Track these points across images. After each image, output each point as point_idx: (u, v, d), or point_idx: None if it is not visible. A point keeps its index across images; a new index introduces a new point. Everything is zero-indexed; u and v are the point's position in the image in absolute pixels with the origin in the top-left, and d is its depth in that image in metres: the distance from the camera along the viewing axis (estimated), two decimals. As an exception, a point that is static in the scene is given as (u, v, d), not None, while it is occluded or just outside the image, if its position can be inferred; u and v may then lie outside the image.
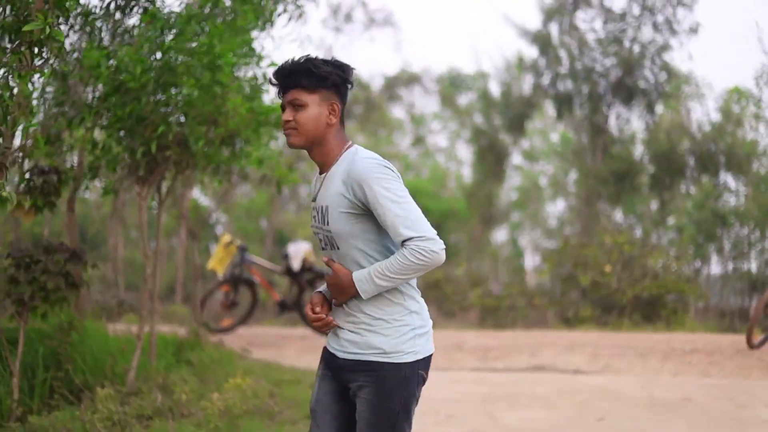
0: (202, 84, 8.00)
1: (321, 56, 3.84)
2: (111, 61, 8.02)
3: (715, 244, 30.30)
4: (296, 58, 3.77)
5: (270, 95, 9.57)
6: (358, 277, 3.74)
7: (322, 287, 4.07)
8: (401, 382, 3.77)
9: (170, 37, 8.10)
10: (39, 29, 6.19)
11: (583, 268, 22.67)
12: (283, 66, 3.79)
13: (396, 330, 3.80)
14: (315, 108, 3.76)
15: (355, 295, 3.78)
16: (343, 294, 3.81)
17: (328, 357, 3.99)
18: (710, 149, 30.01)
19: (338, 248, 3.81)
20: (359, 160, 3.71)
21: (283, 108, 3.83)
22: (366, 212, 3.72)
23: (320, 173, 3.91)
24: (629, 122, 33.12)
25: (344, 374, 3.87)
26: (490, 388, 10.69)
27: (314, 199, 3.92)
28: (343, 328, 3.88)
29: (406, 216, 3.66)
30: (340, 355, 3.88)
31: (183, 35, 8.01)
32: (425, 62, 69.00)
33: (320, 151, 3.84)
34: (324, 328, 3.91)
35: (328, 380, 3.96)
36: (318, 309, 3.92)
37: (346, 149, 3.86)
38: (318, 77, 3.75)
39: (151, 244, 17.47)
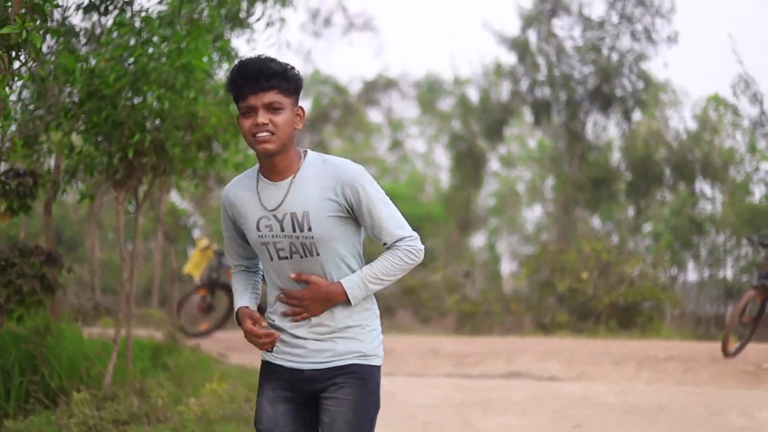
0: (174, 88, 7.97)
1: (291, 60, 3.73)
2: (85, 64, 8.00)
3: (692, 251, 30.52)
4: (261, 58, 3.62)
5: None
6: (350, 284, 3.69)
7: (242, 302, 3.93)
8: (377, 384, 3.78)
9: (140, 42, 8.08)
10: (16, 33, 6.19)
11: (560, 275, 22.74)
12: (255, 65, 3.59)
13: (369, 335, 3.79)
14: (289, 112, 3.63)
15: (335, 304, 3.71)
16: (324, 305, 3.71)
17: (282, 373, 3.82)
18: (687, 157, 30.21)
19: (317, 254, 3.68)
20: (345, 165, 3.67)
21: (245, 111, 3.62)
22: (350, 216, 3.69)
23: (272, 180, 3.73)
24: (606, 129, 33.32)
25: (311, 385, 3.76)
26: (465, 394, 10.70)
27: (274, 208, 3.71)
28: (304, 339, 3.76)
29: (398, 217, 3.74)
30: (306, 367, 3.75)
31: (150, 41, 7.99)
32: (404, 66, 69.23)
33: (284, 158, 3.69)
34: (271, 343, 3.73)
35: (283, 401, 3.81)
36: (264, 324, 3.77)
37: (305, 155, 3.76)
38: (295, 81, 3.64)
39: (128, 246, 17.43)
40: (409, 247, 3.71)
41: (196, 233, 29.29)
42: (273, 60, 3.61)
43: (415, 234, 3.76)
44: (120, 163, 8.27)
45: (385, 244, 3.74)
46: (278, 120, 3.58)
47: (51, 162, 10.17)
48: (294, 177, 3.69)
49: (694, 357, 13.67)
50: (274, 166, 3.69)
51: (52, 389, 8.17)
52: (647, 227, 34.23)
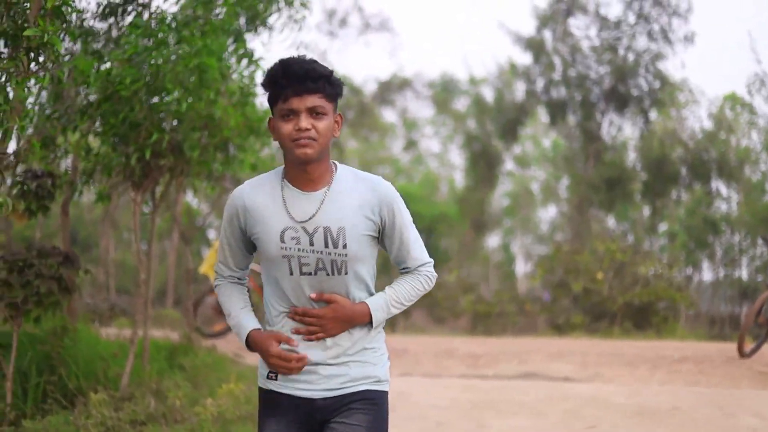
0: (188, 88, 8.02)
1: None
2: (103, 66, 8.06)
3: (707, 251, 30.42)
4: (306, 59, 3.39)
5: (261, 100, 9.61)
6: (376, 306, 3.52)
7: (251, 323, 3.61)
8: (387, 410, 3.61)
9: (155, 43, 8.13)
10: (37, 36, 6.25)
11: (574, 275, 22.76)
12: (301, 66, 3.35)
13: (381, 358, 3.61)
14: (331, 119, 3.41)
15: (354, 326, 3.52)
16: (344, 326, 3.49)
17: (289, 403, 3.55)
18: (702, 156, 30.15)
19: (345, 273, 3.46)
20: (380, 183, 3.51)
21: (285, 113, 3.38)
22: (378, 236, 3.53)
23: (302, 189, 3.48)
24: (622, 129, 33.28)
25: (322, 414, 3.52)
26: (479, 395, 10.73)
27: (304, 220, 3.45)
28: (315, 364, 3.50)
29: (420, 240, 3.65)
30: (318, 395, 3.50)
31: (165, 42, 8.04)
32: (419, 66, 69.20)
33: (318, 166, 3.44)
34: (302, 367, 3.47)
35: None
36: (295, 343, 3.50)
37: (335, 167, 3.55)
38: (338, 86, 3.44)
39: (143, 246, 17.50)
40: (428, 272, 3.64)
41: (212, 234, 29.38)
42: (316, 62, 3.40)
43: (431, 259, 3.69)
44: (137, 164, 8.33)
45: (406, 268, 3.64)
46: (320, 126, 3.37)
47: (68, 163, 10.24)
48: (329, 189, 3.48)
49: (708, 358, 13.68)
50: (308, 174, 3.45)
51: (69, 390, 8.22)
52: (662, 227, 34.11)
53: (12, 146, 6.93)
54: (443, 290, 25.54)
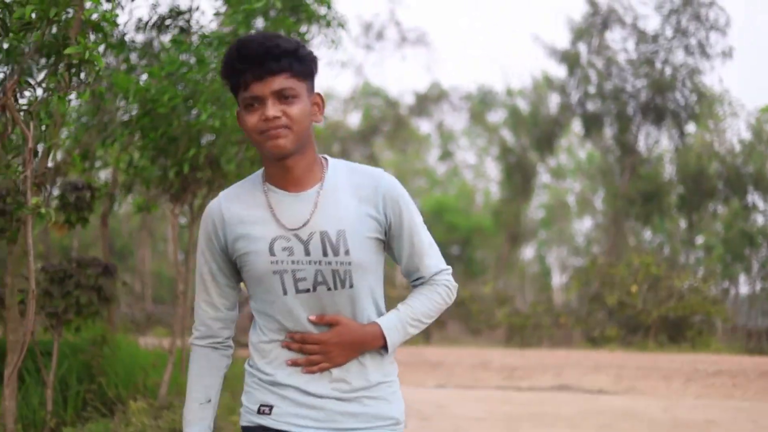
0: (227, 105, 8.13)
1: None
2: (139, 82, 8.20)
3: (744, 265, 30.29)
4: (265, 34, 2.76)
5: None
6: (389, 325, 2.85)
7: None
8: None
9: (194, 60, 8.25)
10: (78, 53, 6.38)
11: (609, 288, 22.74)
12: (259, 44, 2.71)
13: (395, 394, 2.90)
14: (305, 101, 2.74)
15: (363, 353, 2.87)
16: (352, 353, 2.84)
17: None
18: (740, 170, 30.05)
19: (350, 285, 2.80)
20: (382, 175, 2.85)
21: (248, 103, 2.72)
22: (384, 239, 2.85)
23: (288, 190, 2.83)
24: (658, 143, 33.20)
25: None
26: (514, 407, 10.77)
27: (297, 226, 2.78)
28: (321, 397, 2.79)
29: (435, 244, 2.94)
30: None
31: (204, 60, 8.15)
32: (453, 78, 69.12)
33: (300, 159, 2.80)
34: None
35: None
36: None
37: (326, 161, 2.91)
38: (310, 61, 2.77)
39: (180, 257, 17.65)
40: (447, 282, 2.94)
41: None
42: (279, 36, 2.76)
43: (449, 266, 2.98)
44: (175, 177, 8.45)
45: (420, 278, 2.94)
46: (293, 111, 2.70)
47: (107, 175, 10.39)
48: (321, 186, 2.83)
49: (743, 371, 13.66)
50: (290, 171, 2.81)
51: (108, 398, 8.34)
52: (699, 240, 33.99)
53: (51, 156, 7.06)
54: (478, 302, 25.58)
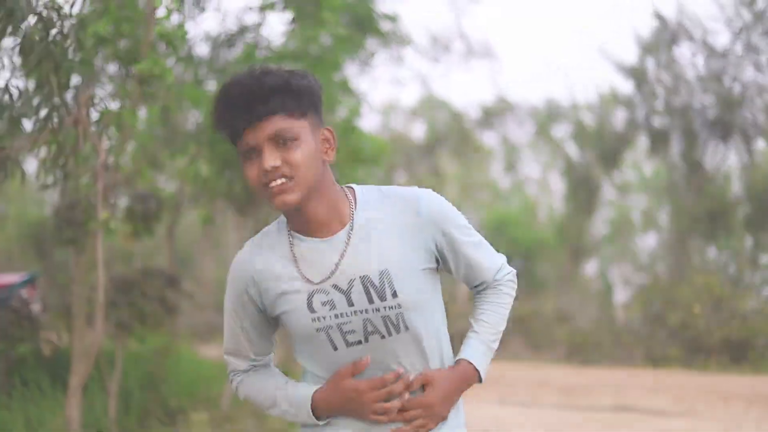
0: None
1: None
2: (210, 93, 8.33)
3: (811, 286, 29.90)
4: (252, 73, 2.44)
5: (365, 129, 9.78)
6: (477, 355, 2.67)
7: (305, 393, 2.61)
8: None
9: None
10: (149, 68, 6.51)
11: (672, 308, 22.55)
12: (243, 86, 2.41)
13: (460, 418, 2.72)
14: (309, 140, 2.45)
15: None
16: (454, 403, 2.63)
17: None
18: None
19: (406, 328, 2.54)
20: (420, 196, 2.58)
21: (245, 154, 2.46)
22: (437, 265, 2.64)
23: (315, 236, 2.55)
24: (725, 160, 32.86)
25: None
26: (573, 427, 10.75)
27: (326, 277, 2.52)
28: None
29: (486, 242, 2.75)
30: None
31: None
32: (518, 91, 68.85)
33: (320, 204, 2.52)
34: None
35: None
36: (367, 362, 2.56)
37: (352, 192, 2.63)
38: (307, 93, 2.46)
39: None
40: (509, 278, 2.77)
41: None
42: (267, 72, 2.44)
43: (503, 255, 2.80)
44: (241, 189, 8.58)
45: (482, 283, 2.76)
46: (294, 157, 2.41)
47: (173, 186, 10.54)
48: (352, 225, 2.55)
49: (807, 397, 13.49)
50: (311, 218, 2.53)
51: (170, 408, 8.46)
52: (765, 259, 33.55)
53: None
54: (539, 320, 25.50)
